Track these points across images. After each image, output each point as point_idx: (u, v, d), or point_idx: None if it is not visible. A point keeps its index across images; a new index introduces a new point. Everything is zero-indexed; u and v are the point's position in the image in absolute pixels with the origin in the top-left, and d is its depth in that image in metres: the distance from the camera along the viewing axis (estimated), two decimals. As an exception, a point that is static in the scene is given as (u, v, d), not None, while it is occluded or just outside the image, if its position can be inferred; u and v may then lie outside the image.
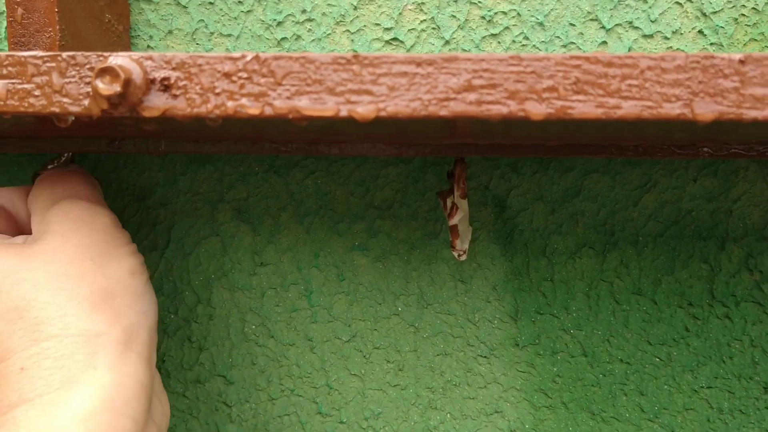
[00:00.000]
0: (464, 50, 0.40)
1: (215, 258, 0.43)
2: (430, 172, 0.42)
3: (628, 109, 0.24)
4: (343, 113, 0.25)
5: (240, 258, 0.43)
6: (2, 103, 0.26)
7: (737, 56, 0.24)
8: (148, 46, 0.41)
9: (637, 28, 0.39)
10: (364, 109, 0.25)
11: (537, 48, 0.39)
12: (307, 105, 0.25)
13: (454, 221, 0.35)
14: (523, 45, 0.40)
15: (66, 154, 0.39)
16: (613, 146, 0.35)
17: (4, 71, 0.26)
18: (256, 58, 0.25)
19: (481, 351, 0.43)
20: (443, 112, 0.25)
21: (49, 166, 0.39)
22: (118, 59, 0.25)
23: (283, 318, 0.43)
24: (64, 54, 0.26)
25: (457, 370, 0.43)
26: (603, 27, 0.39)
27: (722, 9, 0.39)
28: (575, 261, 0.42)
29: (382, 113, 0.25)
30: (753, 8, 0.39)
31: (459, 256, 0.38)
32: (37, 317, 0.30)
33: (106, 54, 0.26)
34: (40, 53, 0.26)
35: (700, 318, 0.41)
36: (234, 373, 0.44)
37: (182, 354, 0.44)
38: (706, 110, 0.24)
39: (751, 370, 0.41)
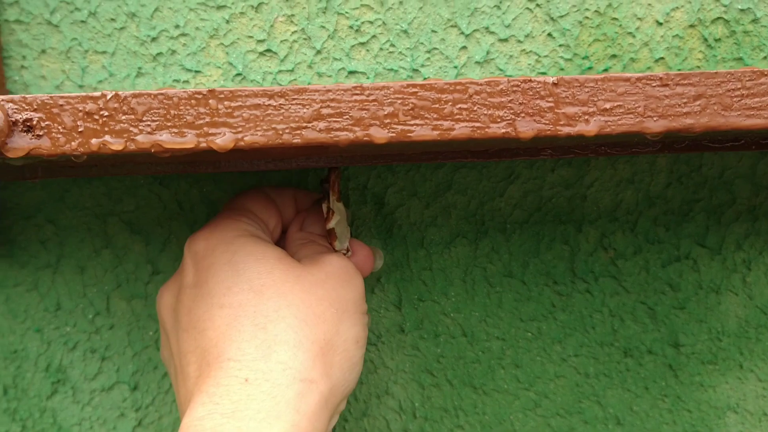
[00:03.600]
0: (335, 59, 0.42)
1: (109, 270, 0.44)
2: (313, 174, 0.44)
3: (460, 130, 0.27)
4: (203, 145, 0.27)
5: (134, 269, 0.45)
6: None
7: (551, 79, 0.27)
8: (22, 66, 0.41)
9: (493, 32, 0.42)
10: (222, 140, 0.27)
11: (403, 54, 0.42)
12: (168, 138, 0.27)
13: (330, 225, 0.38)
14: (390, 52, 0.42)
15: None
16: (468, 152, 0.38)
17: None
18: (116, 96, 0.27)
19: (369, 339, 0.46)
20: (296, 140, 0.27)
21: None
22: (-22, 104, 0.26)
23: (180, 322, 0.45)
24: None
25: (349, 359, 0.46)
26: (462, 33, 0.42)
27: (568, 13, 0.42)
28: (450, 250, 0.45)
29: (240, 143, 0.27)
30: (596, 11, 0.42)
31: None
32: (276, 336, 0.31)
33: (-34, 98, 0.26)
34: None
35: (564, 294, 0.45)
36: (137, 379, 0.45)
37: (84, 365, 0.45)
38: (527, 128, 0.27)
39: (611, 337, 0.46)
